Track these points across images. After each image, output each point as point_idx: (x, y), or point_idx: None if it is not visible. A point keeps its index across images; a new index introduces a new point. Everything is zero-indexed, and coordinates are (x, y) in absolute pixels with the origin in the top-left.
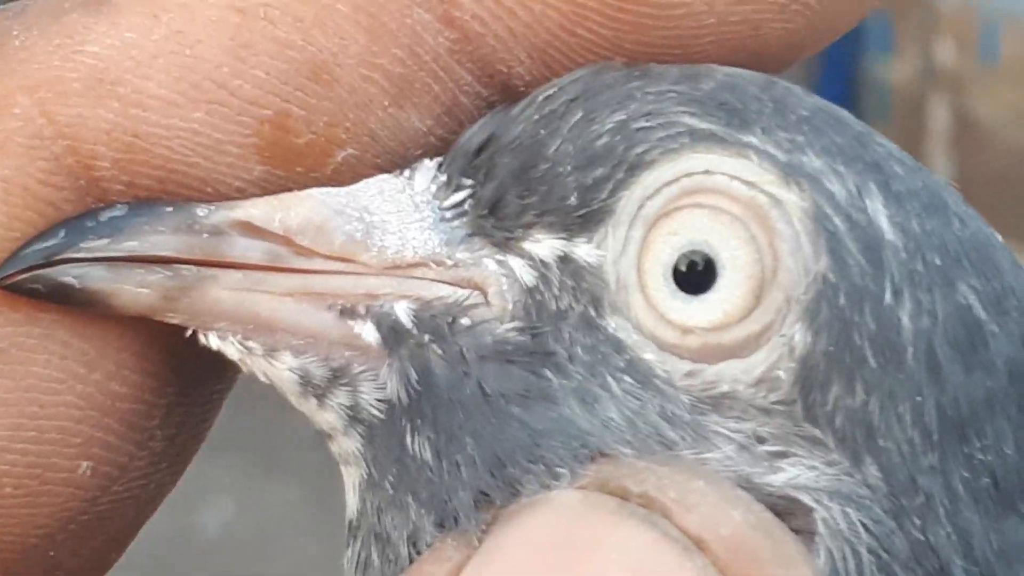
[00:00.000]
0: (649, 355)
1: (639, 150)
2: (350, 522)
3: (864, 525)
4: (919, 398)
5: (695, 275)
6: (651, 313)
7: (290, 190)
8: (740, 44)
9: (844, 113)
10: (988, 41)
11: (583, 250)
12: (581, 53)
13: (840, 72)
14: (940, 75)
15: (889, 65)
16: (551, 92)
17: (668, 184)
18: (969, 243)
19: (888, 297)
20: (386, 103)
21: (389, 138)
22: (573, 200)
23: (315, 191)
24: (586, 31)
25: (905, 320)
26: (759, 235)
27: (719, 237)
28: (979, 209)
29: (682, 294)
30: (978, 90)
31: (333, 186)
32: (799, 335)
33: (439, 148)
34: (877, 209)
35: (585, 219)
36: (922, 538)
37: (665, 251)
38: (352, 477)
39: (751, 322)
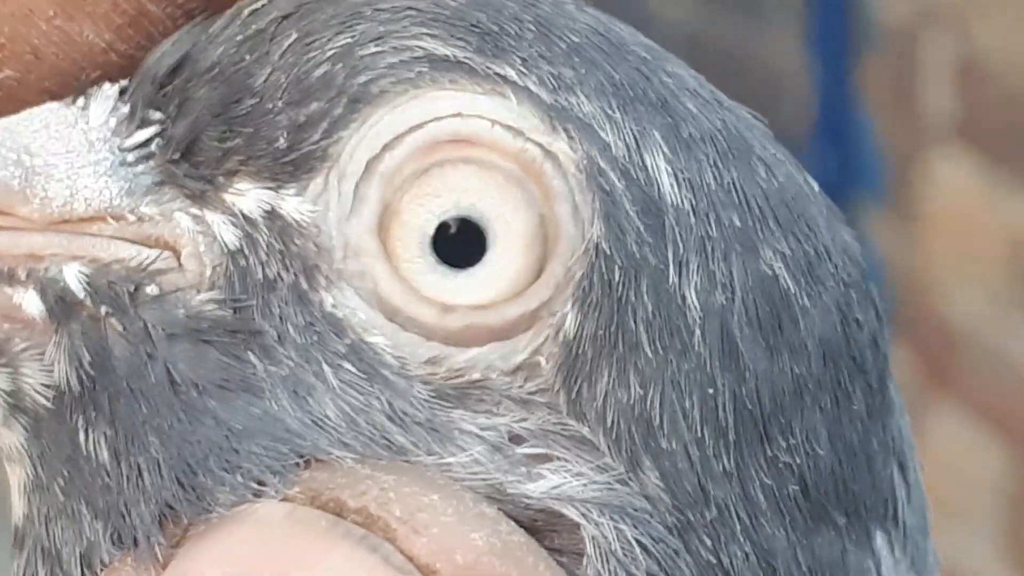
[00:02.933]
0: (378, 338)
1: (363, 79)
2: (16, 528)
3: (642, 544)
4: (711, 390)
5: (450, 238)
6: (399, 287)
7: None
8: None
9: (626, 34)
10: None
11: (292, 204)
12: None
13: (836, 5)
14: (936, 8)
15: None
16: (259, 6)
17: (412, 130)
18: (777, 197)
19: (671, 271)
20: (51, 13)
21: (57, 56)
22: (282, 142)
23: None
24: None
25: (692, 297)
26: (536, 196)
27: (490, 199)
28: (984, 151)
29: (443, 267)
30: (979, 22)
31: None
32: (569, 316)
33: (123, 69)
34: (658, 164)
35: (296, 165)
36: (714, 560)
37: (421, 214)
38: (17, 476)
39: (526, 299)
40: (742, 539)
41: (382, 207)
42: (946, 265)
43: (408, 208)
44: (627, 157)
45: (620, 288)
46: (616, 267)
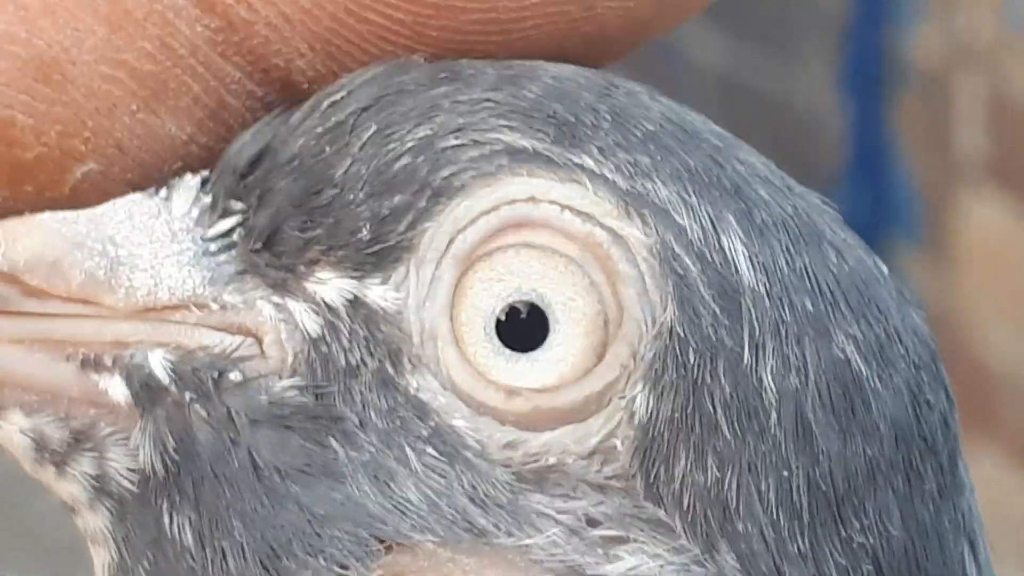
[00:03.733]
0: (459, 421)
1: (446, 173)
2: None
3: None
4: (786, 472)
5: (521, 327)
6: (467, 371)
7: (19, 215)
8: (571, 27)
9: (699, 122)
10: (1015, 11)
11: (377, 292)
12: (375, 43)
13: (867, 47)
14: (968, 46)
15: (915, 38)
16: (338, 98)
17: (485, 214)
18: (848, 281)
19: (747, 353)
20: (134, 107)
21: (140, 149)
22: (366, 233)
23: (48, 216)
24: (378, 15)
25: (768, 380)
26: (600, 281)
27: (552, 284)
28: (1017, 191)
29: (507, 351)
30: (1010, 64)
31: (72, 209)
32: (640, 398)
33: (204, 160)
34: (735, 246)
35: (380, 255)
36: None
37: (486, 299)
38: (101, 559)
39: (592, 381)
40: None
41: (454, 290)
42: (981, 304)
43: (474, 292)
44: (703, 240)
45: (696, 370)
46: (691, 349)
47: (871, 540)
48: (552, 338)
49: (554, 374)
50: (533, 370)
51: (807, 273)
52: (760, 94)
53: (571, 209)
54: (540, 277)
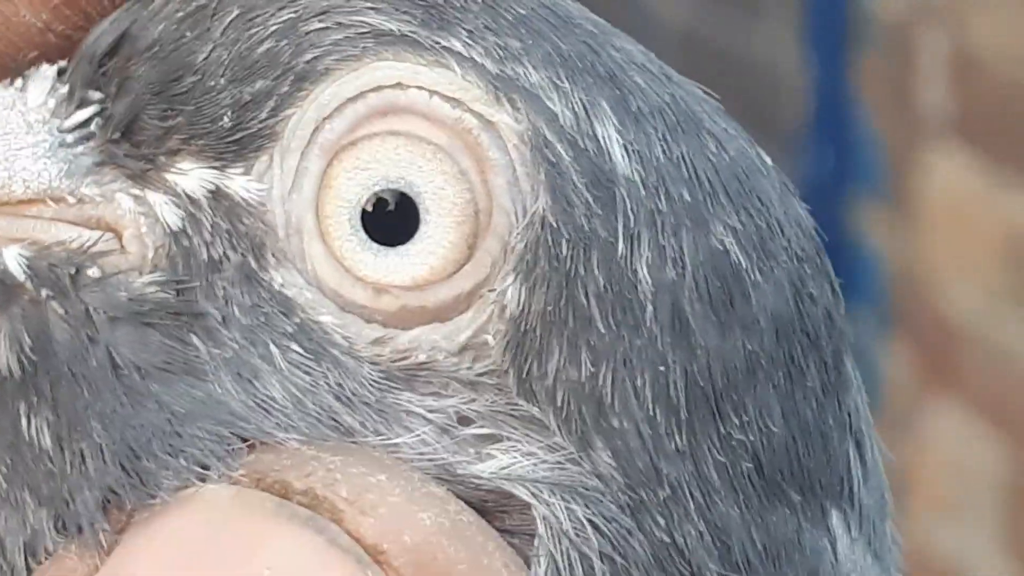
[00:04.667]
0: (326, 317)
1: (308, 56)
2: None
3: (594, 524)
4: (662, 367)
5: (389, 219)
6: (334, 267)
7: None
8: None
9: (574, 9)
10: None
11: (239, 183)
12: None
13: (829, 1)
14: (931, 3)
15: None
16: None
17: (351, 100)
18: (728, 171)
19: (622, 244)
20: None
21: None
22: (227, 120)
23: None
24: None
25: (643, 272)
26: (469, 168)
27: (421, 172)
28: (980, 145)
29: (374, 245)
30: (974, 19)
31: None
32: (512, 291)
33: (61, 49)
34: (610, 134)
35: (241, 144)
36: (667, 539)
37: (351, 189)
38: None
39: (461, 278)
40: (696, 517)
41: (319, 182)
42: (943, 261)
43: (339, 182)
44: (576, 127)
45: (569, 262)
46: (564, 240)
47: (751, 437)
48: (423, 229)
49: (424, 268)
50: (402, 264)
51: (684, 162)
52: (723, 49)
53: (439, 95)
54: (408, 165)
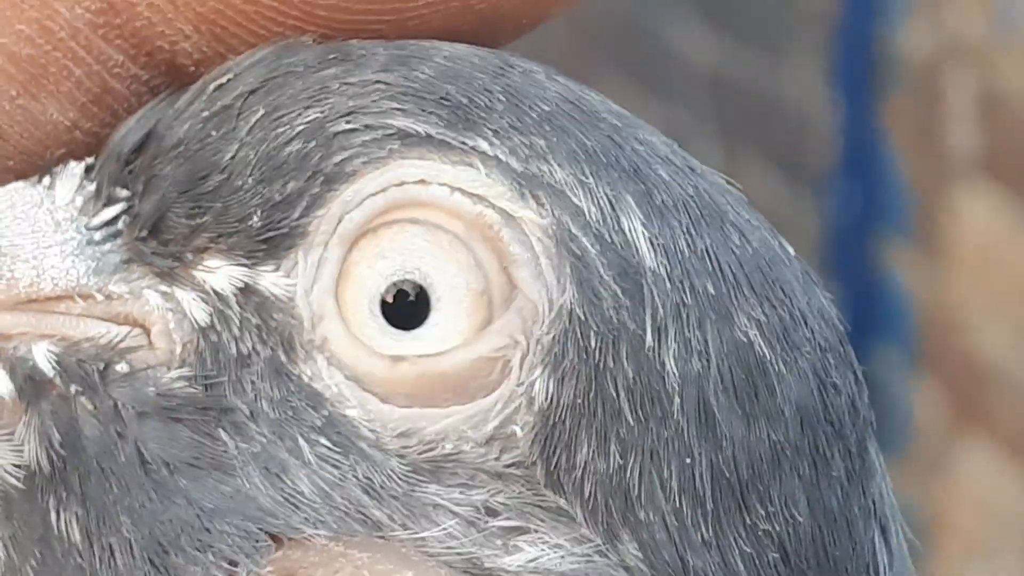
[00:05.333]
0: (353, 411)
1: (338, 159)
2: None
3: None
4: (688, 459)
5: (406, 308)
6: (353, 345)
7: None
8: (464, 5)
9: (597, 102)
10: (1005, 7)
11: (269, 279)
12: (262, 24)
13: (857, 43)
14: (959, 44)
15: (905, 33)
16: (224, 80)
17: (372, 195)
18: (751, 262)
19: (650, 337)
20: (13, 92)
21: (21, 136)
22: (256, 220)
23: None
24: None
25: (671, 364)
26: (486, 260)
27: (435, 261)
28: (1007, 184)
29: (392, 329)
30: (1000, 60)
31: None
32: (540, 383)
33: (89, 147)
34: (635, 227)
35: (272, 243)
36: None
37: (371, 277)
38: None
39: (477, 345)
40: None
41: (339, 269)
42: (972, 300)
43: (359, 270)
44: (601, 221)
45: (598, 354)
46: (592, 332)
47: (777, 527)
48: (434, 316)
49: (437, 341)
50: (417, 346)
51: (709, 255)
52: (750, 91)
53: (461, 191)
54: (423, 255)
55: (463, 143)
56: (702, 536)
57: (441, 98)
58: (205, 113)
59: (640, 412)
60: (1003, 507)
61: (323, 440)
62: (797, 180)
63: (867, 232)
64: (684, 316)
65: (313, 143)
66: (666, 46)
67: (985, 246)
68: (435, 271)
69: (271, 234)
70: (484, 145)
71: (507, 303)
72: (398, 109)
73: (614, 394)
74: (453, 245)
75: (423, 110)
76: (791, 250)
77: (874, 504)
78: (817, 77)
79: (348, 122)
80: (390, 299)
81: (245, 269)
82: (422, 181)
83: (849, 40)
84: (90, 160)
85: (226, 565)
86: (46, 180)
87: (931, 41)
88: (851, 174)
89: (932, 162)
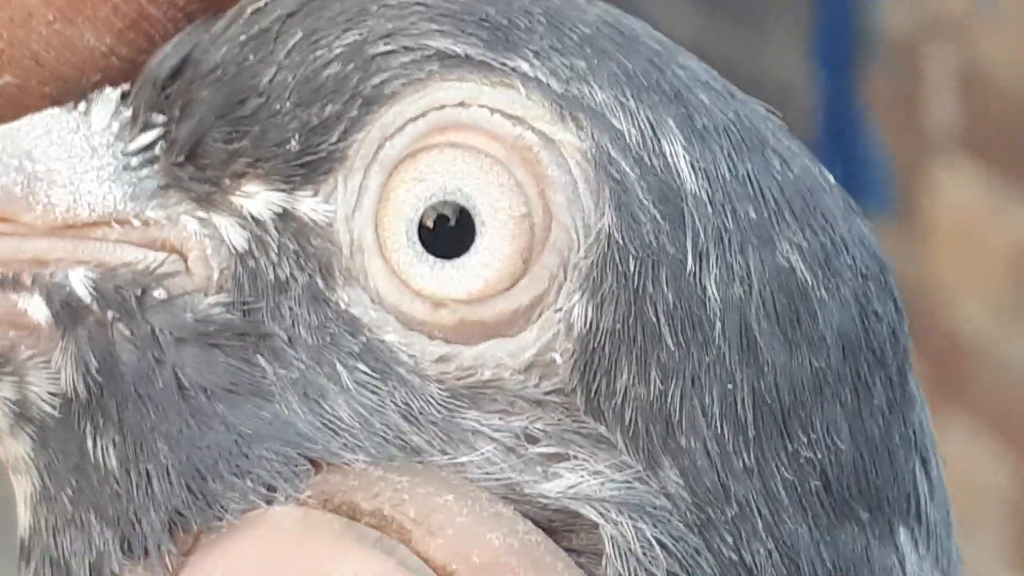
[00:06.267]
0: (391, 336)
1: (376, 80)
2: (22, 541)
3: (662, 543)
4: (730, 385)
5: (446, 233)
6: (393, 282)
7: None
8: None
9: (638, 26)
10: None
11: (308, 204)
12: None
13: (837, 17)
14: (939, 19)
15: (885, 8)
16: (261, 4)
17: (413, 120)
18: (792, 188)
19: (691, 261)
20: (51, 17)
21: (58, 61)
22: (294, 144)
23: None
24: None
25: (712, 289)
26: (526, 182)
27: (476, 183)
28: (987, 160)
29: (430, 257)
30: (980, 35)
31: None
32: (578, 309)
33: (125, 73)
34: (676, 151)
35: (310, 167)
36: (736, 557)
37: (408, 201)
38: (23, 487)
39: (519, 292)
40: (764, 536)
41: (379, 195)
42: (951, 276)
43: (396, 195)
44: (641, 144)
45: (637, 278)
46: (631, 256)
47: (819, 454)
48: (478, 241)
49: (479, 280)
50: (458, 277)
51: (750, 179)
52: (730, 65)
53: (501, 112)
54: (464, 176)
55: (503, 64)
56: (744, 463)
57: (481, 19)
58: (243, 37)
59: (681, 337)
60: (983, 482)
61: (361, 365)
62: None
63: None
64: (726, 241)
65: (351, 65)
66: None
67: (965, 222)
68: (477, 193)
69: (309, 158)
70: (524, 66)
71: (546, 230)
72: (437, 30)
73: (654, 319)
74: (494, 167)
75: (463, 31)
76: (831, 178)
77: (914, 434)
78: (797, 52)
79: (386, 44)
80: (430, 224)
81: (283, 194)
82: (462, 104)
83: (829, 15)
84: (126, 86)
85: (264, 490)
86: (82, 106)
87: (911, 16)
88: (831, 149)
89: (912, 138)
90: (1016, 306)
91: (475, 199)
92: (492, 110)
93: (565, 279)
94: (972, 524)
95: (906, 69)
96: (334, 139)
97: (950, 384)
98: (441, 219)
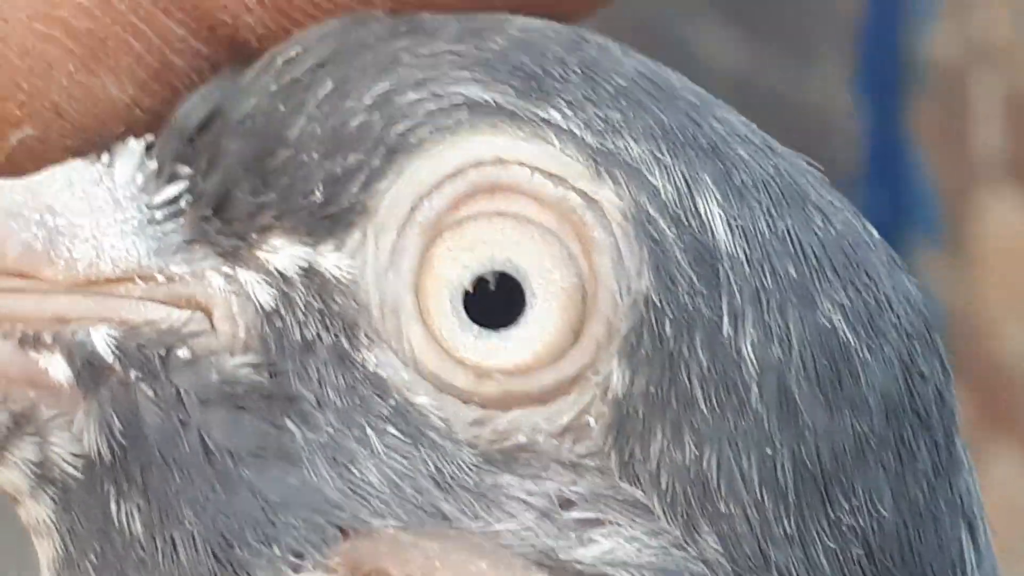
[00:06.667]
0: (422, 399)
1: (401, 128)
2: None
3: None
4: (769, 450)
5: (489, 300)
6: (434, 350)
7: None
8: None
9: (674, 79)
10: None
11: (331, 260)
12: None
13: (882, 46)
14: (985, 47)
15: (931, 36)
16: (293, 54)
17: (450, 178)
18: (834, 245)
19: (726, 324)
20: (72, 67)
21: (79, 112)
22: (318, 195)
23: None
24: None
25: (748, 351)
26: (577, 251)
27: (528, 253)
28: None
29: (475, 327)
30: None
31: (7, 178)
32: (616, 374)
33: (149, 125)
34: (712, 209)
35: (333, 219)
36: None
37: (454, 269)
38: (46, 552)
39: (567, 364)
40: None
41: (419, 261)
42: (1000, 304)
43: (442, 262)
44: (678, 202)
45: (673, 342)
46: (667, 320)
47: (861, 522)
48: (528, 313)
49: (527, 352)
50: (504, 348)
51: (790, 236)
52: (775, 94)
53: (540, 171)
54: (515, 245)
55: (536, 114)
56: (784, 530)
57: (514, 67)
58: (273, 87)
59: (715, 401)
60: None
61: (391, 429)
62: None
63: (894, 237)
64: (763, 301)
65: (378, 114)
66: (690, 51)
67: (1013, 250)
68: (528, 263)
69: (332, 209)
70: (558, 117)
71: (595, 298)
72: (469, 78)
73: (688, 383)
74: (545, 238)
75: (495, 79)
76: (875, 233)
77: (961, 500)
78: (843, 81)
79: (416, 92)
80: (471, 290)
81: (307, 248)
82: (498, 160)
83: (875, 44)
84: (151, 138)
85: (292, 558)
86: (105, 158)
87: (957, 44)
88: (878, 179)
89: (959, 166)
90: None
91: (526, 270)
92: (532, 168)
93: (608, 344)
94: (1019, 555)
95: (952, 97)
96: (355, 189)
97: (998, 414)
98: (481, 283)
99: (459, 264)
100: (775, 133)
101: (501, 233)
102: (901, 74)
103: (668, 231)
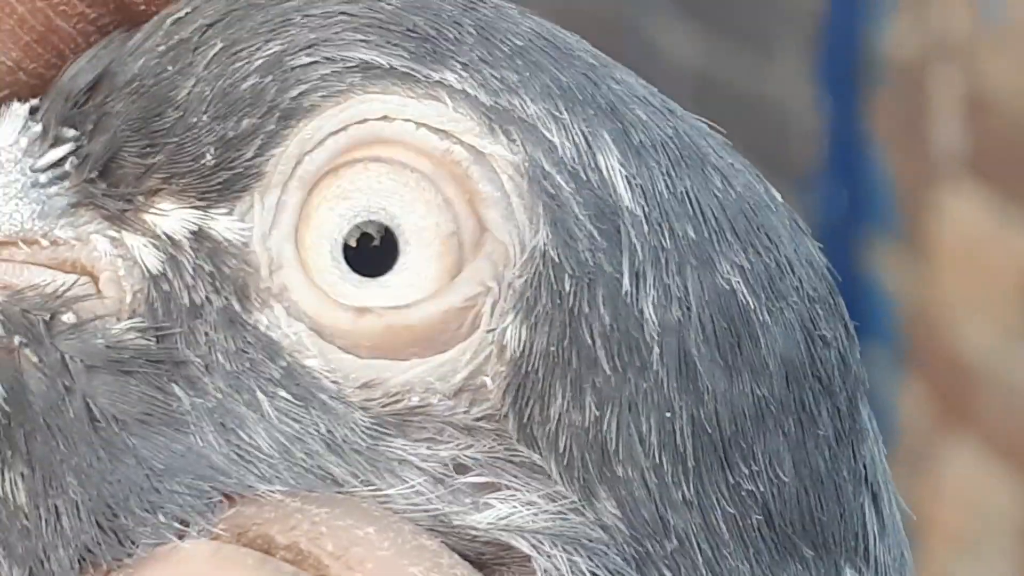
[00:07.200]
0: (313, 361)
1: (294, 93)
2: None
3: None
4: (668, 413)
5: (371, 252)
6: (314, 295)
7: None
8: None
9: (572, 40)
10: (990, 4)
11: (222, 223)
12: None
13: (842, 41)
14: (944, 42)
15: (890, 32)
16: (182, 14)
17: (334, 134)
18: (734, 207)
19: (627, 281)
20: None
21: None
22: (210, 159)
23: None
24: None
25: (649, 311)
26: (455, 198)
27: (401, 201)
28: (993, 183)
29: (355, 276)
30: (986, 58)
31: None
32: (512, 331)
33: (33, 88)
34: (612, 166)
35: (225, 184)
36: None
37: (331, 219)
38: None
39: (447, 296)
40: (704, 572)
41: (299, 214)
42: (957, 299)
43: (319, 213)
44: (576, 159)
45: (573, 298)
46: (566, 275)
47: (761, 487)
48: (403, 260)
49: (405, 297)
50: (384, 294)
51: (689, 198)
52: (735, 90)
53: (427, 126)
54: (389, 194)
55: (429, 76)
56: (683, 494)
57: (407, 30)
58: (161, 48)
59: (617, 361)
60: (988, 505)
61: (282, 392)
62: (782, 179)
63: (852, 231)
64: (663, 261)
65: (270, 77)
66: (649, 45)
67: (970, 245)
68: (402, 211)
69: (224, 174)
70: (451, 78)
71: (477, 246)
72: (362, 41)
73: (590, 341)
74: (420, 184)
75: (388, 42)
76: (778, 196)
77: (865, 468)
78: (802, 76)
79: (308, 55)
80: (354, 244)
81: (198, 212)
82: (385, 117)
83: (834, 38)
84: (35, 101)
85: (177, 525)
86: None
87: (916, 39)
88: (836, 173)
89: (917, 161)
90: (1023, 329)
91: (399, 217)
92: (417, 124)
93: (499, 297)
94: (979, 548)
95: (912, 93)
96: (250, 154)
97: (957, 408)
98: (365, 237)
99: (335, 214)
100: (735, 128)
101: (377, 181)
102: (860, 69)
103: (565, 186)
